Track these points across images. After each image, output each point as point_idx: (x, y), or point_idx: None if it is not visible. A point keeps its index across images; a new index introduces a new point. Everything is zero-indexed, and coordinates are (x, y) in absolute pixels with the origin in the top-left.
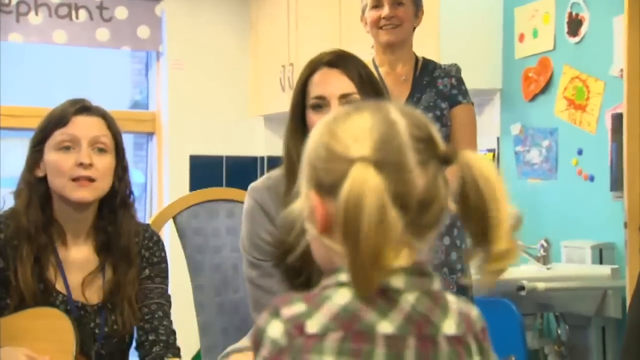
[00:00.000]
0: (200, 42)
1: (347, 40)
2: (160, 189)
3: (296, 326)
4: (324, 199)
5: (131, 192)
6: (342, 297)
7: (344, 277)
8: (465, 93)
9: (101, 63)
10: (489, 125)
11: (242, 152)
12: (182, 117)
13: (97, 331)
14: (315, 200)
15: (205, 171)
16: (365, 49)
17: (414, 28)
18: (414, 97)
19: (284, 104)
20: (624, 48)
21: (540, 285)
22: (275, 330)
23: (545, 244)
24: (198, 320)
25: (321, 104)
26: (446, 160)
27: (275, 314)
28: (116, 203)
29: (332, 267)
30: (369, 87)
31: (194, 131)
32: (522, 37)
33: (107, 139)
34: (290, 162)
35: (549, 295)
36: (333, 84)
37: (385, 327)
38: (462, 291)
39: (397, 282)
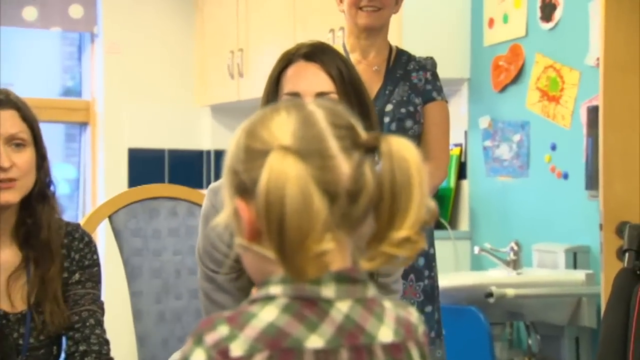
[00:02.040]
0: (139, 23)
1: (302, 24)
2: (95, 185)
3: (220, 352)
4: (248, 202)
5: (51, 182)
6: (268, 313)
7: (273, 289)
8: (439, 90)
9: (28, 45)
10: (456, 118)
11: (186, 146)
12: (120, 107)
13: (20, 342)
14: (240, 205)
15: (145, 166)
16: (321, 33)
17: (392, 14)
18: (386, 90)
19: (232, 92)
20: (601, 35)
21: (510, 292)
22: (198, 358)
23: (515, 247)
24: (136, 330)
25: None
26: (370, 148)
27: (199, 341)
28: (34, 193)
29: (264, 279)
30: (350, 87)
31: (132, 122)
32: (491, 23)
33: (24, 134)
34: None
35: (519, 303)
36: (309, 79)
37: (315, 341)
38: (430, 298)
39: (328, 291)
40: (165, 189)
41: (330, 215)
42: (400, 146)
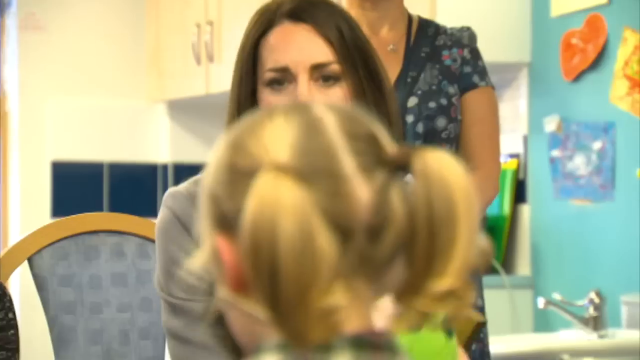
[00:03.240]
0: None
1: None
2: (6, 213)
3: None
4: (232, 240)
5: None
6: None
7: (268, 359)
8: (482, 72)
9: None
10: (511, 117)
11: (134, 158)
12: (41, 103)
13: None
14: (221, 244)
15: (77, 187)
16: None
17: None
18: (407, 76)
19: (199, 83)
20: None
21: None
22: None
23: (596, 299)
24: None
25: (282, 79)
26: (398, 165)
27: None
28: None
29: (255, 344)
30: (356, 52)
31: (58, 125)
32: None
33: None
34: None
35: None
36: (300, 47)
37: None
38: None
39: None
40: (105, 219)
41: (342, 259)
42: (440, 164)
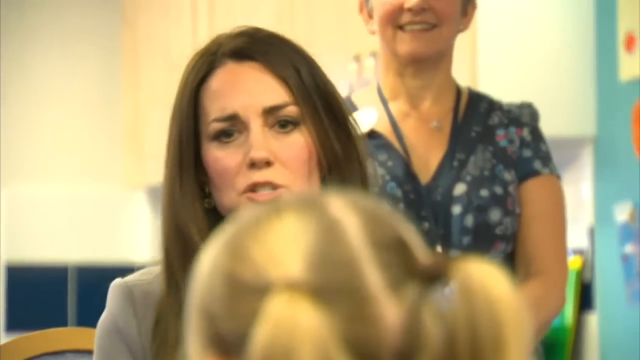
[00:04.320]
0: (29, 47)
1: (308, 46)
2: None
3: None
4: None
5: None
6: None
7: None
8: (546, 157)
9: None
10: (574, 205)
11: (106, 258)
12: None
13: None
14: None
15: (37, 296)
16: (341, 63)
17: (458, 34)
18: (453, 159)
19: None
20: None
21: None
22: None
23: None
24: None
25: (231, 130)
26: (432, 277)
27: None
28: None
29: None
30: (315, 92)
31: (13, 218)
32: (631, 42)
33: None
34: (180, 239)
35: None
36: (248, 89)
37: None
38: None
39: None
40: (71, 336)
41: None
42: (484, 277)
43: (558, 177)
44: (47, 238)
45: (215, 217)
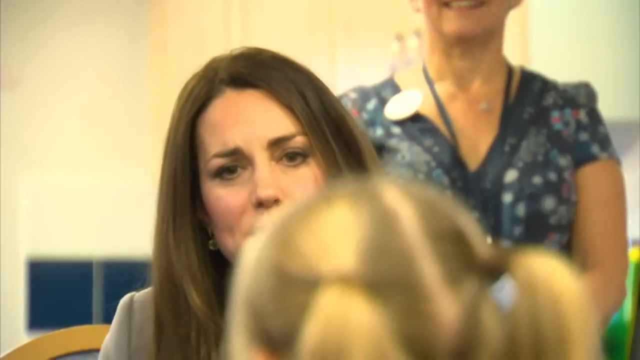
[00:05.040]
0: (54, 44)
1: (346, 27)
2: None
3: None
4: None
5: None
6: None
7: None
8: (604, 140)
9: None
10: (631, 192)
11: (133, 252)
12: (13, 183)
13: None
14: None
15: (59, 291)
16: (381, 42)
17: (509, 10)
18: (504, 143)
19: None
20: None
21: None
22: None
23: None
24: None
25: (234, 166)
26: (492, 271)
27: None
28: None
29: None
30: (325, 120)
31: (36, 211)
32: None
33: None
34: (171, 286)
35: None
36: (251, 120)
37: None
38: None
39: None
40: (99, 334)
41: None
42: (547, 271)
43: (617, 162)
44: (71, 232)
45: (219, 259)
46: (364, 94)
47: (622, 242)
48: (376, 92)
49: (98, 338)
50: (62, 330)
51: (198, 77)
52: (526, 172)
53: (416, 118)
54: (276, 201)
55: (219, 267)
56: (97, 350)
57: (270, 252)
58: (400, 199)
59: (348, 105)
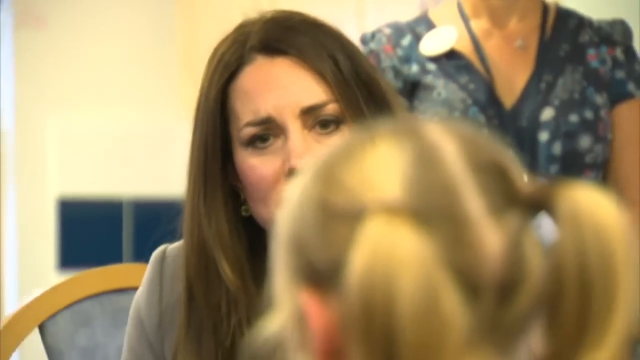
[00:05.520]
0: None
1: None
2: (1, 268)
3: None
4: (323, 297)
5: None
6: None
7: None
8: None
9: None
10: None
11: (163, 192)
12: (42, 123)
13: None
14: (309, 302)
15: (90, 231)
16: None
17: None
18: (540, 81)
19: None
20: None
21: None
22: None
23: None
24: None
25: (266, 134)
26: (534, 204)
27: None
28: None
29: None
30: (358, 86)
31: (65, 151)
32: None
33: None
34: (202, 255)
35: None
36: (283, 88)
37: None
38: None
39: None
40: (130, 273)
41: (471, 323)
42: (592, 204)
43: None
44: (101, 171)
45: (252, 224)
46: (399, 30)
47: None
48: (410, 28)
49: (133, 277)
50: (98, 269)
51: (228, 43)
52: (562, 110)
53: (451, 55)
54: None
55: (251, 232)
56: (132, 289)
57: (314, 188)
58: (443, 134)
59: (382, 41)
